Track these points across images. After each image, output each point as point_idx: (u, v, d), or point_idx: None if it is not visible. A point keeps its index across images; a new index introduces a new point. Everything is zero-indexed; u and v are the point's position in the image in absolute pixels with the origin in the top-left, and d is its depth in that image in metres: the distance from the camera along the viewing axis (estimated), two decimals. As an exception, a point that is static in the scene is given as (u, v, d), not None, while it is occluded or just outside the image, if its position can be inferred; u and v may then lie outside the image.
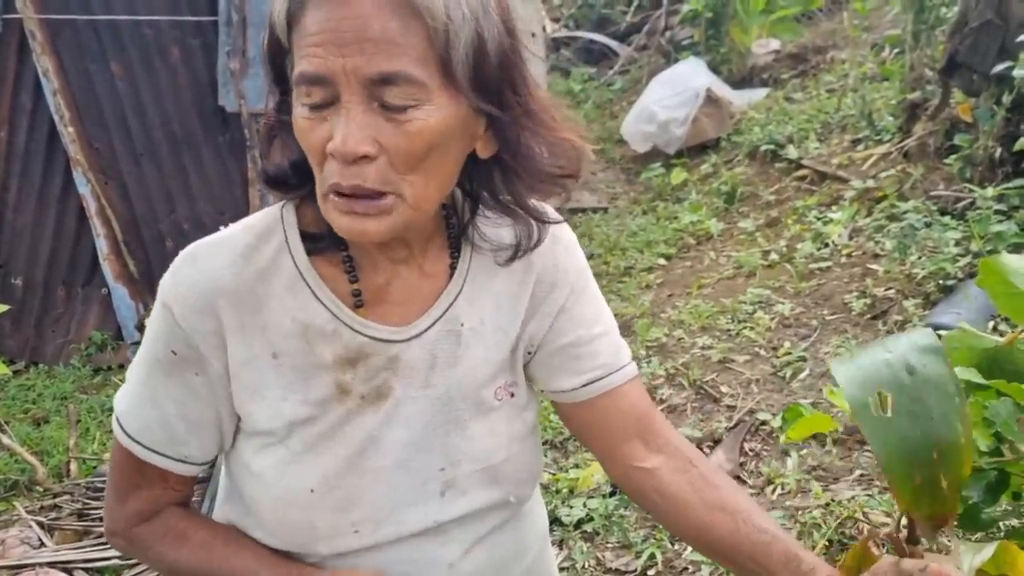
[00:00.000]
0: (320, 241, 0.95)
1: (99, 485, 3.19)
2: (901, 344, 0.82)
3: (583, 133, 0.98)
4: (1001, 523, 1.07)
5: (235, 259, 0.93)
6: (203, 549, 1.00)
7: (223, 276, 0.92)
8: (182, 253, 0.94)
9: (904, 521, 0.90)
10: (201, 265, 0.92)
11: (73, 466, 3.53)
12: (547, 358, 1.06)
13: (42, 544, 2.89)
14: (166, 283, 0.93)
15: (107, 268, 4.89)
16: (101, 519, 3.01)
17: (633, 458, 1.05)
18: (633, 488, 1.06)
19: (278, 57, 0.88)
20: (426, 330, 0.98)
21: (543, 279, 1.04)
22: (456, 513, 1.01)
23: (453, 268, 1.00)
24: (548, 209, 1.02)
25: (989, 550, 0.86)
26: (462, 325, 1.00)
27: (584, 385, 1.05)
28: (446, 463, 1.00)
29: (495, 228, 1.00)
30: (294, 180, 0.94)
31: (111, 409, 3.98)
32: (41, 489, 3.36)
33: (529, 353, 1.06)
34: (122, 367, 4.76)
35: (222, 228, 0.97)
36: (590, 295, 1.08)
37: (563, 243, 1.06)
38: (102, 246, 4.86)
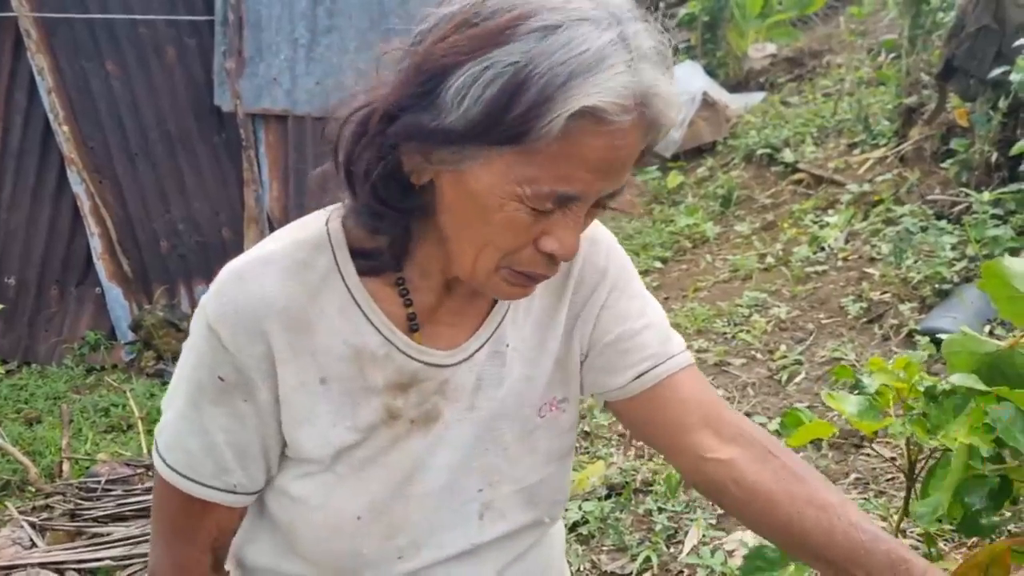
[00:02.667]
0: (374, 259, 0.91)
1: (91, 485, 3.17)
2: None
3: None
4: (1005, 528, 1.07)
5: (285, 278, 0.88)
6: None
7: (273, 296, 0.87)
8: (226, 271, 0.89)
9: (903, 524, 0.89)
10: (249, 285, 0.87)
11: (65, 466, 3.51)
12: (596, 359, 1.03)
13: (33, 544, 2.87)
14: (210, 304, 0.88)
15: (101, 268, 4.87)
16: (93, 519, 3.00)
17: (703, 448, 0.98)
18: (707, 482, 0.99)
19: (490, 138, 0.76)
20: (475, 352, 0.96)
21: (583, 282, 1.02)
22: (493, 535, 0.99)
23: None
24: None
25: None
26: (507, 346, 0.98)
27: (636, 378, 1.01)
28: (484, 484, 0.98)
29: None
30: (388, 222, 0.87)
31: (104, 409, 3.95)
32: (33, 489, 3.34)
33: (581, 362, 1.04)
34: (115, 367, 4.74)
35: (266, 239, 0.92)
36: (633, 291, 1.05)
37: (602, 244, 1.05)
38: (96, 245, 4.85)
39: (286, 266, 0.89)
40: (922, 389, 1.11)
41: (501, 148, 0.77)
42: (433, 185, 0.84)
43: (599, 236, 1.04)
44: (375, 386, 0.92)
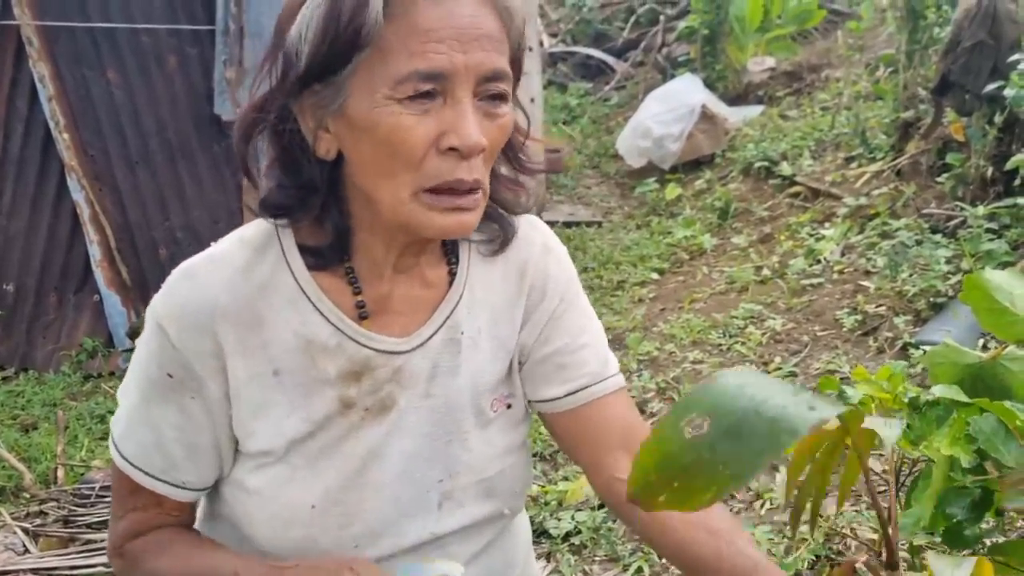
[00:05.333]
0: (320, 255, 0.93)
1: (85, 492, 3.17)
2: (775, 412, 0.61)
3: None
4: (985, 540, 1.07)
5: (233, 275, 0.90)
6: (184, 554, 0.97)
7: (221, 294, 0.89)
8: (176, 271, 0.92)
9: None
10: (198, 282, 0.90)
11: (60, 473, 3.51)
12: (534, 367, 1.05)
13: (26, 550, 2.87)
14: (159, 302, 0.90)
15: (99, 275, 4.88)
16: (87, 526, 3.00)
17: (616, 469, 1.03)
18: (615, 501, 1.05)
19: (340, 57, 0.80)
20: (429, 339, 0.97)
21: (535, 288, 1.04)
22: (453, 526, 1.00)
23: (452, 275, 1.00)
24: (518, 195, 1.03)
25: (968, 567, 0.85)
26: (462, 333, 0.99)
27: (569, 394, 1.04)
28: (444, 474, 0.99)
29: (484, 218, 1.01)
30: (296, 202, 0.90)
31: (100, 416, 3.96)
32: (27, 495, 3.34)
33: (520, 363, 1.06)
34: (112, 374, 4.74)
35: (213, 244, 0.95)
36: (579, 306, 1.08)
37: (554, 253, 1.07)
38: (95, 253, 4.85)
39: (234, 264, 0.91)
40: (906, 400, 1.12)
41: (354, 64, 0.80)
42: (343, 158, 0.87)
43: (551, 244, 1.07)
44: (328, 376, 0.93)
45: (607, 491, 1.06)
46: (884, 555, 0.89)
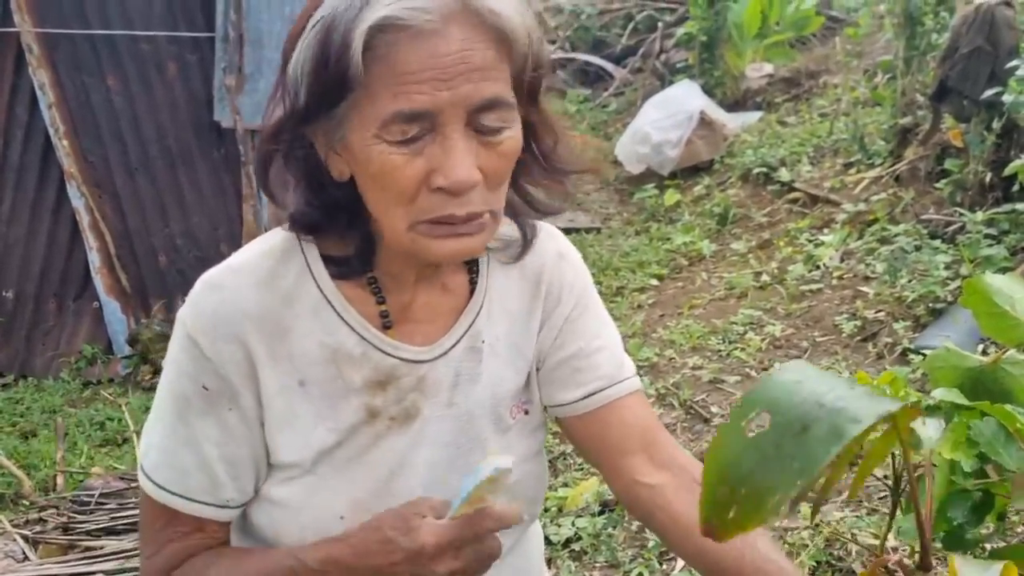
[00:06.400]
0: (343, 265, 0.93)
1: (85, 499, 3.16)
2: (840, 403, 0.68)
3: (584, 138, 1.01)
4: (984, 544, 1.08)
5: (258, 285, 0.90)
6: (232, 564, 0.93)
7: (248, 303, 0.89)
8: (200, 283, 0.91)
9: (891, 543, 0.90)
10: (224, 293, 0.89)
11: (60, 480, 3.51)
12: (550, 372, 1.06)
13: (26, 558, 2.86)
14: (188, 315, 0.90)
15: (99, 282, 4.88)
16: (86, 533, 2.99)
17: (637, 472, 1.03)
18: (635, 504, 1.04)
19: (332, 96, 0.81)
20: (451, 348, 0.98)
21: (551, 294, 1.05)
22: None
23: (472, 283, 1.01)
24: (552, 200, 1.02)
25: (995, 570, 0.85)
26: (483, 342, 1.00)
27: (585, 397, 1.04)
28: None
29: (504, 225, 0.99)
30: (324, 220, 0.91)
31: (100, 423, 3.95)
32: (27, 502, 3.34)
33: (537, 369, 1.06)
34: (112, 381, 4.74)
35: (234, 253, 0.94)
36: (593, 310, 1.08)
37: (569, 259, 1.08)
38: (94, 259, 4.85)
39: (258, 275, 0.91)
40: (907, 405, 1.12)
41: (348, 101, 0.81)
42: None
43: (566, 252, 1.08)
44: (354, 386, 0.93)
45: (627, 494, 1.05)
46: (918, 558, 0.89)
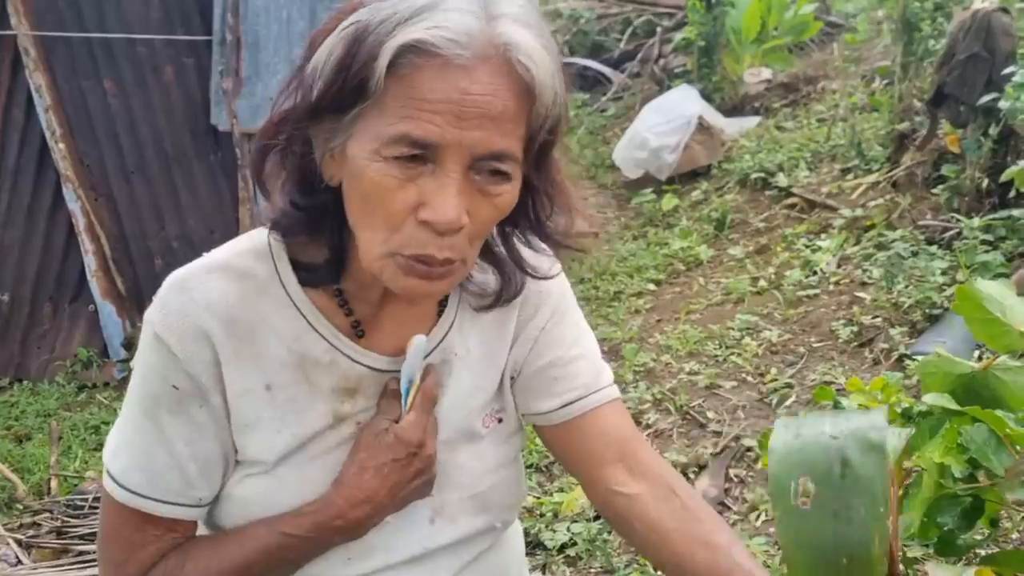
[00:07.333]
0: (313, 272, 0.92)
1: (79, 503, 3.16)
2: (849, 426, 0.74)
3: (591, 212, 0.99)
4: (977, 549, 1.07)
5: (226, 285, 0.90)
6: (209, 552, 0.92)
7: (215, 303, 0.88)
8: (168, 282, 0.90)
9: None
10: (192, 293, 0.89)
11: (54, 483, 3.50)
12: (527, 380, 1.05)
13: (19, 562, 2.85)
14: (155, 315, 0.89)
15: (95, 285, 4.88)
16: (80, 537, 2.98)
17: (614, 482, 1.02)
18: (613, 513, 1.03)
19: (346, 100, 0.80)
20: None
21: (528, 302, 1.03)
22: (445, 540, 1.00)
23: (443, 299, 1.00)
24: (541, 262, 1.00)
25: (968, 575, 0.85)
26: (455, 354, 0.99)
27: (562, 406, 1.03)
28: (436, 490, 0.98)
29: (482, 274, 0.99)
30: (305, 224, 0.90)
31: (95, 427, 3.94)
32: (21, 506, 3.33)
33: (513, 378, 1.05)
34: (107, 385, 4.73)
35: (204, 254, 0.94)
36: (571, 318, 1.07)
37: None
38: (90, 263, 4.85)
39: (227, 274, 0.91)
40: (899, 410, 1.12)
41: (358, 110, 0.80)
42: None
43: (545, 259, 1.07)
44: (321, 392, 0.93)
45: (603, 504, 1.05)
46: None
